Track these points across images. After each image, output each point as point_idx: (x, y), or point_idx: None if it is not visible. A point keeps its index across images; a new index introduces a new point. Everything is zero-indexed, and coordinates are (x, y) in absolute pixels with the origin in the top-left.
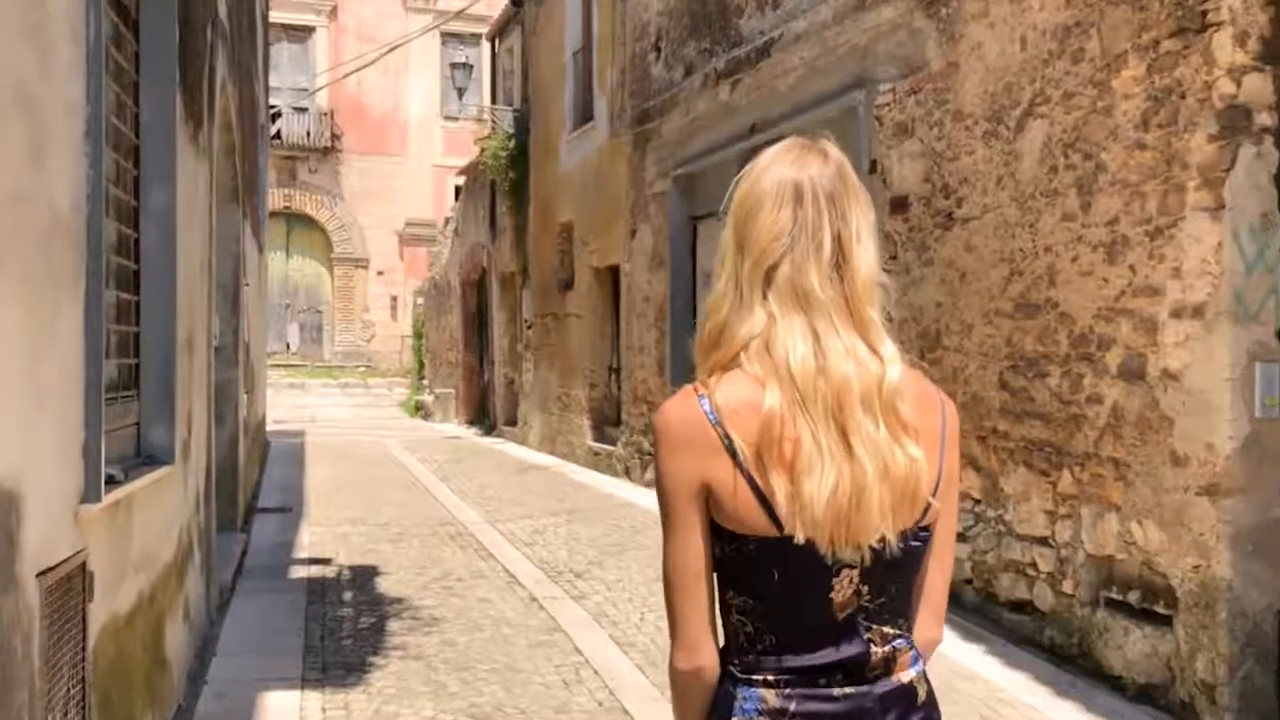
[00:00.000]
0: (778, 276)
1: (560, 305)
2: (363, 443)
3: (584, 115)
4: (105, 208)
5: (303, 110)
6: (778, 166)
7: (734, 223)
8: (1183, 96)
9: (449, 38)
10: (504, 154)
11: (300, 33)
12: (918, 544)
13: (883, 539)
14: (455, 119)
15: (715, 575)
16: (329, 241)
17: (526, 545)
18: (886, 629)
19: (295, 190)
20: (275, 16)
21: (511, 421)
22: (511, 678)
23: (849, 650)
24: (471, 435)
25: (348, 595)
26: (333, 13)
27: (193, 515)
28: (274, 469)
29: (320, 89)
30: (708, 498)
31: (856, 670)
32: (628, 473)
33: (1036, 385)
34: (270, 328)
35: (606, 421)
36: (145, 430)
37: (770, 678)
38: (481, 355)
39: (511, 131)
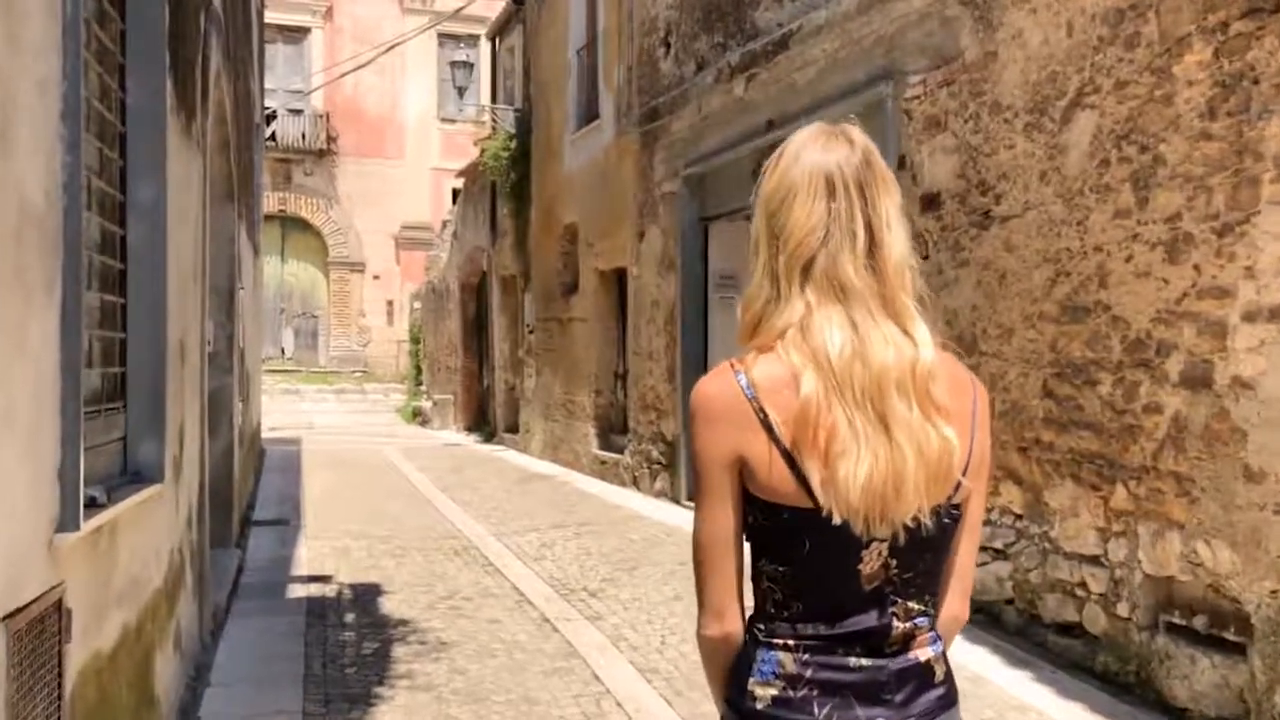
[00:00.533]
0: (814, 269)
1: (564, 309)
2: (360, 450)
3: (589, 114)
4: (87, 200)
5: (298, 112)
6: (807, 155)
7: (766, 214)
8: (1255, 82)
9: (446, 39)
10: (505, 155)
11: (295, 34)
12: (949, 521)
13: (917, 517)
14: (453, 121)
15: (749, 543)
16: (324, 245)
17: (535, 560)
18: (912, 604)
19: (290, 193)
20: (270, 17)
21: (512, 428)
22: (528, 711)
23: (872, 622)
24: (471, 443)
25: (349, 617)
26: (328, 13)
27: (185, 534)
28: (270, 478)
29: (316, 89)
30: (741, 470)
31: (876, 642)
32: (636, 483)
33: (1085, 393)
34: (265, 333)
35: (613, 429)
36: (132, 446)
37: (791, 643)
38: (481, 360)
39: (513, 132)
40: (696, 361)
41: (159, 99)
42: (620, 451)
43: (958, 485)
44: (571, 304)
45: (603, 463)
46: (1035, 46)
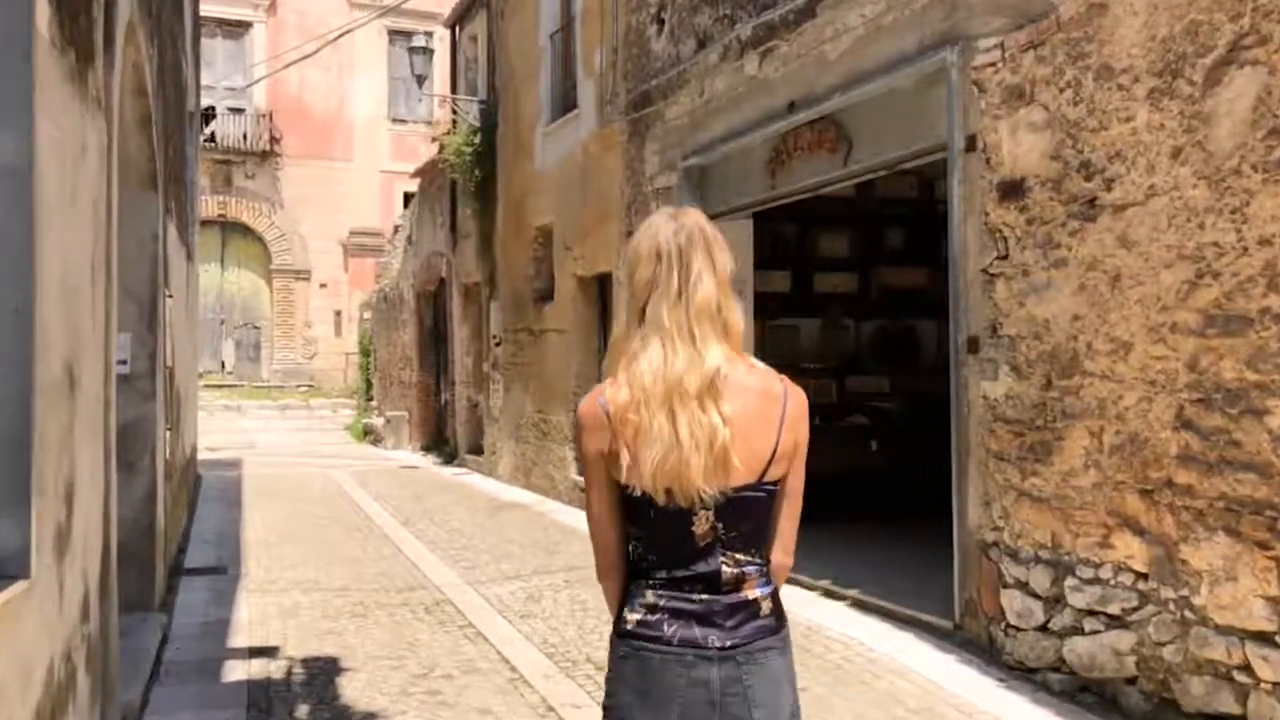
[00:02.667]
0: (647, 312)
1: (536, 319)
2: (308, 474)
3: (565, 104)
4: None
5: (239, 111)
6: (648, 235)
7: (626, 277)
8: None
9: (397, 35)
10: (469, 150)
11: (236, 28)
12: (761, 495)
13: (719, 491)
14: (404, 122)
15: (624, 515)
16: (267, 252)
17: (522, 618)
18: (739, 555)
19: (231, 197)
20: (210, 10)
21: (476, 450)
22: None
23: (706, 568)
24: (430, 465)
25: (302, 709)
26: (271, 7)
27: (76, 630)
28: (206, 511)
29: (257, 81)
30: (606, 463)
31: (712, 583)
32: None
33: (1246, 425)
34: (204, 346)
35: None
36: None
37: (651, 583)
38: (439, 375)
39: (478, 125)
40: None
41: (22, 19)
42: None
43: (765, 468)
44: (545, 313)
45: (583, 490)
46: None
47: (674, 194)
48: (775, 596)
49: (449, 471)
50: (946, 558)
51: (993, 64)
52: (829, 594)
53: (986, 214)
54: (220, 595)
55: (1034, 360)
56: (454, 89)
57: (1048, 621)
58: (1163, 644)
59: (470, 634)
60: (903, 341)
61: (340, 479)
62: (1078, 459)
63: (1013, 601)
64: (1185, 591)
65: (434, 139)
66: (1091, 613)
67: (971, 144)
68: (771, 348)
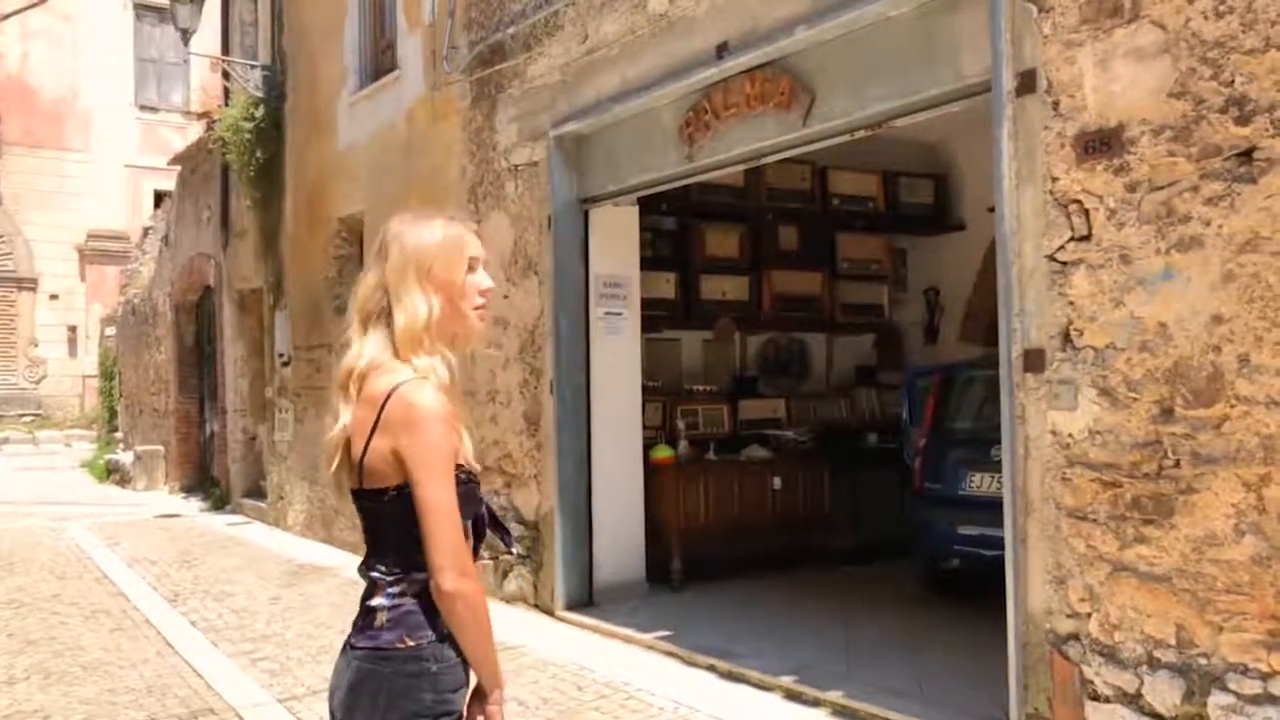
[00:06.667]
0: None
1: (339, 333)
2: (33, 531)
3: (379, 66)
4: None
5: None
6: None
7: None
8: None
9: (146, 11)
10: (248, 127)
11: None
12: (368, 503)
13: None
14: (155, 110)
15: None
16: None
17: None
18: (375, 561)
19: None
20: None
21: (255, 493)
22: None
23: (364, 566)
24: (195, 512)
25: None
26: None
27: None
28: None
29: None
30: None
31: (368, 585)
32: None
33: None
34: None
35: None
36: None
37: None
38: (204, 401)
39: (260, 96)
40: (577, 402)
41: None
42: None
43: (360, 474)
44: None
45: None
46: None
47: (541, 171)
48: (406, 614)
49: (222, 521)
50: (937, 635)
51: None
52: (792, 695)
53: (1054, 179)
54: None
55: (1140, 381)
56: (226, 52)
57: None
58: None
59: None
60: (792, 359)
61: (80, 536)
62: (1222, 520)
63: None
64: None
65: (200, 114)
66: None
67: (1029, 83)
68: (653, 368)
